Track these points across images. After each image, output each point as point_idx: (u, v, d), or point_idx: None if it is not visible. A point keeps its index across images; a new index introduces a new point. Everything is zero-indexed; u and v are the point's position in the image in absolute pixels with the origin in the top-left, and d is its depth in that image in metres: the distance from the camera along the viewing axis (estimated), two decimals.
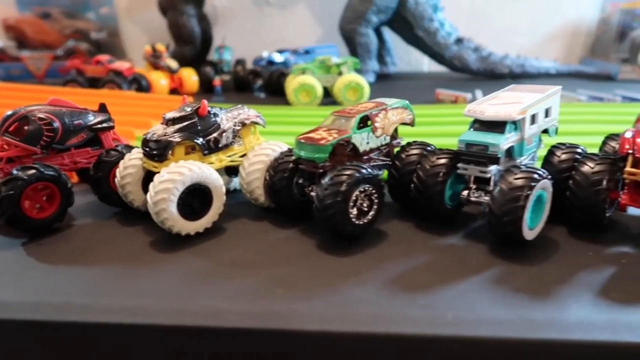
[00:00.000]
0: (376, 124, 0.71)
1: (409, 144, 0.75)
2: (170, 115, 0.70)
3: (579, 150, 0.70)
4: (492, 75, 2.04)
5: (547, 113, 0.71)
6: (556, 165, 0.70)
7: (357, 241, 0.65)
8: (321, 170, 0.67)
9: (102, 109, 0.80)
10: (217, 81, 1.86)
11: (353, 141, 0.69)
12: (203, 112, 0.71)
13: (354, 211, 0.64)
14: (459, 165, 0.66)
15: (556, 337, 0.46)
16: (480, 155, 0.64)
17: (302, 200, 0.71)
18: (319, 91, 1.51)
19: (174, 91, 1.83)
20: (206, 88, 1.88)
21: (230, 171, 0.81)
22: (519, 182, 0.59)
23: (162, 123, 0.71)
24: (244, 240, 0.68)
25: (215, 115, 0.73)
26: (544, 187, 0.62)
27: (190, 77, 1.84)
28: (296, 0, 2.40)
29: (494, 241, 0.65)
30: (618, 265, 0.58)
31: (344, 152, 0.70)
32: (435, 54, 2.06)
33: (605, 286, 0.54)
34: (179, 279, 0.58)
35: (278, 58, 1.87)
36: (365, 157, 0.73)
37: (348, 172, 0.62)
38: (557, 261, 0.60)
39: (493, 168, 0.64)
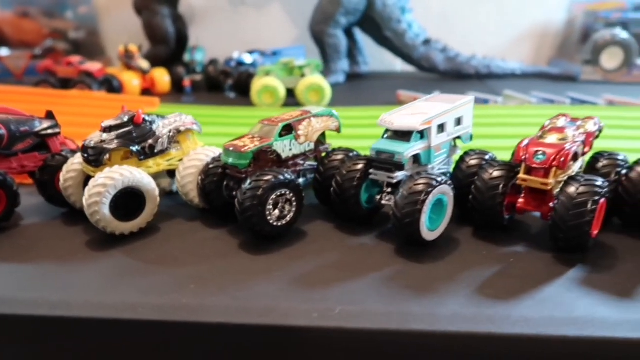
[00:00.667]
0: (299, 132, 0.77)
1: (333, 150, 0.81)
2: (107, 123, 0.76)
3: (487, 157, 0.76)
4: (459, 76, 2.10)
5: (458, 122, 0.76)
6: (465, 171, 0.76)
7: (276, 241, 0.71)
8: (244, 176, 0.72)
9: (50, 116, 0.85)
10: (186, 81, 1.91)
11: (275, 148, 0.75)
12: (138, 121, 0.76)
13: (276, 213, 0.70)
14: (371, 171, 0.72)
15: (425, 329, 0.52)
16: (388, 162, 0.70)
17: (232, 202, 0.77)
18: (282, 93, 1.56)
19: (146, 91, 1.88)
20: (178, 88, 1.93)
21: (172, 174, 0.87)
22: (418, 188, 0.65)
23: (100, 130, 0.76)
24: (174, 239, 0.73)
25: (151, 122, 0.78)
26: (443, 192, 0.68)
27: (162, 78, 1.88)
28: (272, 1, 2.45)
29: (400, 241, 0.70)
30: (504, 264, 0.64)
31: (268, 158, 0.76)
32: (404, 55, 2.11)
33: (485, 282, 0.60)
34: (104, 275, 0.64)
35: (247, 59, 1.92)
36: (291, 163, 0.78)
37: (266, 178, 0.68)
38: (452, 260, 0.66)
39: (400, 174, 0.70)
